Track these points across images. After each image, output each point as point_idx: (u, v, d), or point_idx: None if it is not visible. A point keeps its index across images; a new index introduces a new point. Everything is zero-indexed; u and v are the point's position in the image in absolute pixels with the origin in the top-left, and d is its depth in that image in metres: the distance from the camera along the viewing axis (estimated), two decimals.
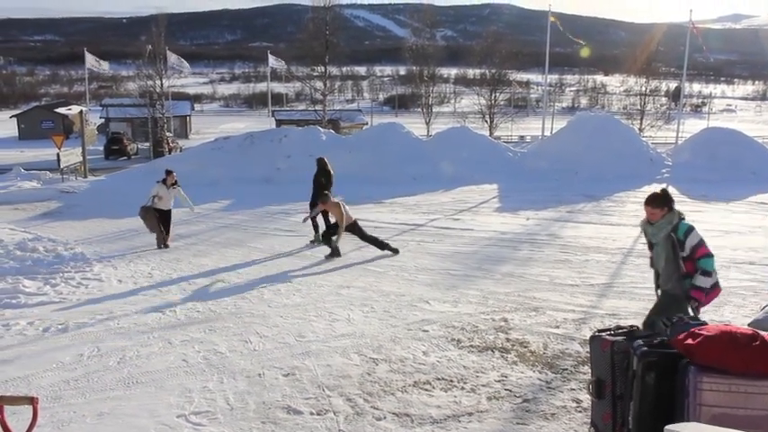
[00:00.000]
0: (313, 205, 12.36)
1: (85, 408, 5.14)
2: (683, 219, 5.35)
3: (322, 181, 12.55)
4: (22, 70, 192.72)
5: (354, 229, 11.11)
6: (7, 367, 6.02)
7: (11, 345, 6.72)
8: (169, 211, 12.41)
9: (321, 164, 12.89)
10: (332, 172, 12.86)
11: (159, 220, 12.11)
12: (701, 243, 5.25)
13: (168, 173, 12.47)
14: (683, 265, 5.30)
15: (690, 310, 5.27)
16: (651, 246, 5.59)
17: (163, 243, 12.15)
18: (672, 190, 19.66)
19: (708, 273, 5.26)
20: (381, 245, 11.13)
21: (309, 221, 12.34)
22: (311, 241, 12.26)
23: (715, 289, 5.42)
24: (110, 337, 6.94)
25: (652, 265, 5.70)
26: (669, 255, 5.33)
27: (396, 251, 11.06)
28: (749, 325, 5.26)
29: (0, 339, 6.90)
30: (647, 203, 5.40)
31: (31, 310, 8.03)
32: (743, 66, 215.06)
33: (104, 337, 6.94)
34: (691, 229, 5.26)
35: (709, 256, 5.25)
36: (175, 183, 12.44)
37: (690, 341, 3.71)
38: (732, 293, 8.42)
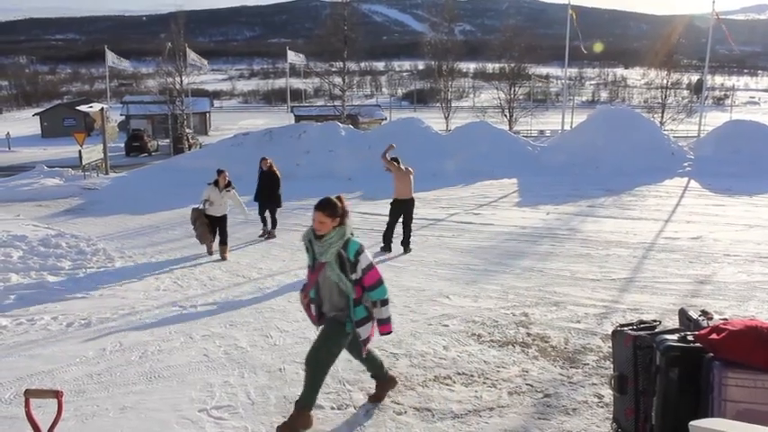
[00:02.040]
0: (264, 209, 12.71)
1: (108, 402, 5.19)
2: (354, 235, 4.59)
3: (278, 174, 12.74)
4: (44, 69, 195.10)
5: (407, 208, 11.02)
6: (32, 361, 6.09)
7: (35, 339, 6.80)
8: (224, 218, 11.05)
9: (268, 164, 12.91)
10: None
11: (211, 228, 10.89)
12: (373, 266, 4.54)
13: (219, 173, 11.07)
14: (353, 290, 4.52)
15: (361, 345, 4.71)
16: (314, 266, 4.64)
17: (219, 253, 10.90)
18: (694, 184, 19.49)
19: (386, 301, 4.61)
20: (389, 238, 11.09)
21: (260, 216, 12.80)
22: (260, 235, 12.58)
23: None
24: (132, 331, 7.00)
25: (305, 290, 4.70)
26: (338, 277, 4.50)
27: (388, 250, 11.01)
28: None
29: (25, 334, 6.98)
30: (318, 209, 4.46)
31: (54, 305, 8.12)
32: (767, 57, 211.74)
33: (126, 331, 7.00)
34: (362, 248, 4.51)
35: (382, 282, 4.56)
36: (229, 184, 11.09)
37: (714, 336, 3.66)
38: (757, 288, 8.32)
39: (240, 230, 13.49)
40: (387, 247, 11.00)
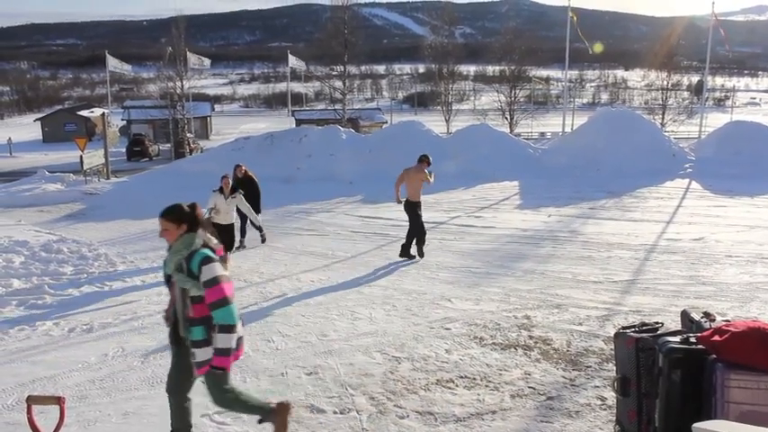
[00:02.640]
0: (245, 219, 11.85)
1: (111, 407, 5.19)
2: (209, 246, 4.02)
3: (255, 179, 12.28)
4: (45, 74, 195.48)
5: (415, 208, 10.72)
6: (34, 367, 6.09)
7: (37, 345, 6.80)
8: (231, 226, 10.54)
9: (243, 171, 12.26)
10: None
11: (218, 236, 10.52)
12: (218, 281, 3.84)
13: (223, 178, 10.57)
14: (190, 308, 3.91)
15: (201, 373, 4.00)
16: (168, 279, 4.09)
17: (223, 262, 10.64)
18: (695, 185, 19.42)
19: (228, 327, 3.84)
20: (412, 244, 10.72)
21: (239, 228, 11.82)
22: (236, 247, 11.54)
23: (239, 347, 4.11)
24: (134, 337, 7.00)
25: (168, 307, 4.20)
26: (180, 291, 3.96)
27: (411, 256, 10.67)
28: None
29: (27, 340, 6.98)
30: (160, 215, 4.07)
31: (56, 310, 8.12)
32: (767, 58, 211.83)
33: (128, 337, 7.00)
34: (208, 259, 3.88)
35: (227, 302, 3.83)
36: (234, 189, 10.57)
37: (717, 338, 3.65)
38: (759, 289, 8.31)
39: None
40: (408, 255, 10.66)
